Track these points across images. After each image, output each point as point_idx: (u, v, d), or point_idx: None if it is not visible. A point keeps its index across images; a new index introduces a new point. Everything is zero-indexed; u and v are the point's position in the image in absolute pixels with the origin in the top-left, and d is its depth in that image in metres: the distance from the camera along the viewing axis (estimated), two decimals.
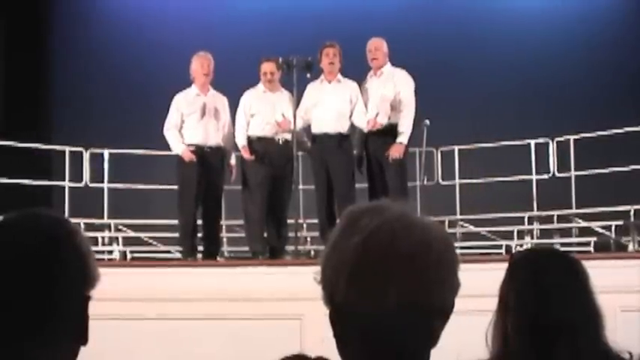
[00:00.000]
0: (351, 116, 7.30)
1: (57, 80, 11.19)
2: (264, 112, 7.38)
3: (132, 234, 9.21)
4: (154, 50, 10.77)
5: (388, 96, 7.28)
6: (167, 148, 7.56)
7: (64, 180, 8.89)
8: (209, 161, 7.31)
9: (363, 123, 7.26)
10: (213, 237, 7.47)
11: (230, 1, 11.69)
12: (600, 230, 8.50)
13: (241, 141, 7.37)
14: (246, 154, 7.30)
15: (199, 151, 7.27)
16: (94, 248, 1.42)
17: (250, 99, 7.47)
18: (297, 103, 7.30)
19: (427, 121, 7.37)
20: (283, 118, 7.20)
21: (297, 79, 7.24)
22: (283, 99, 7.40)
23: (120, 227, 9.16)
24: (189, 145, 7.28)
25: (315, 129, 7.36)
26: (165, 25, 11.06)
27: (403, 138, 7.19)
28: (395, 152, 7.13)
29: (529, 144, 9.07)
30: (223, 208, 7.76)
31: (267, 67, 7.41)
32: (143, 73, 10.61)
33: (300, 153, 7.61)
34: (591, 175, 8.66)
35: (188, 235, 7.30)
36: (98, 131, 10.18)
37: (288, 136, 7.24)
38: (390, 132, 7.23)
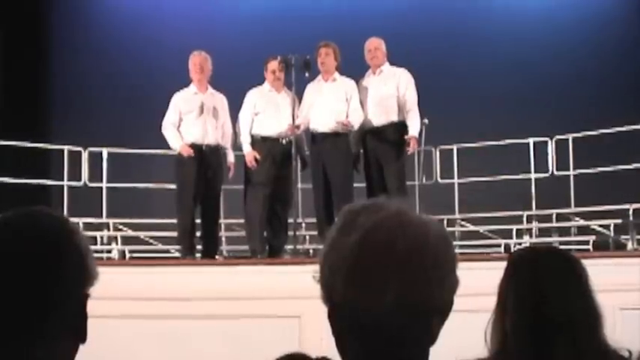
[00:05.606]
0: (347, 114, 7.29)
1: (56, 80, 11.18)
2: (269, 111, 7.37)
3: (130, 233, 9.22)
4: (153, 50, 10.77)
5: (389, 94, 7.29)
6: (165, 147, 7.55)
7: (62, 179, 8.89)
8: (207, 160, 7.29)
9: (358, 120, 7.25)
10: (211, 236, 7.44)
11: (229, 0, 11.69)
12: (599, 229, 8.51)
13: (246, 147, 7.34)
14: (250, 161, 7.26)
15: (197, 149, 7.24)
16: (92, 247, 1.41)
17: (255, 97, 7.46)
18: (296, 102, 7.30)
19: (426, 120, 7.36)
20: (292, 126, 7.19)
21: (295, 78, 7.24)
22: (286, 99, 7.38)
23: (118, 226, 9.17)
24: (187, 144, 7.26)
25: (313, 128, 7.36)
26: (164, 24, 11.05)
27: (414, 131, 7.17)
28: (412, 147, 7.12)
29: (528, 143, 9.08)
30: (222, 207, 7.76)
31: (276, 65, 7.40)
32: (142, 73, 10.61)
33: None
34: (590, 174, 8.67)
35: (187, 234, 7.28)
36: (97, 130, 10.18)
37: (292, 136, 7.22)
38: (389, 130, 7.24)
